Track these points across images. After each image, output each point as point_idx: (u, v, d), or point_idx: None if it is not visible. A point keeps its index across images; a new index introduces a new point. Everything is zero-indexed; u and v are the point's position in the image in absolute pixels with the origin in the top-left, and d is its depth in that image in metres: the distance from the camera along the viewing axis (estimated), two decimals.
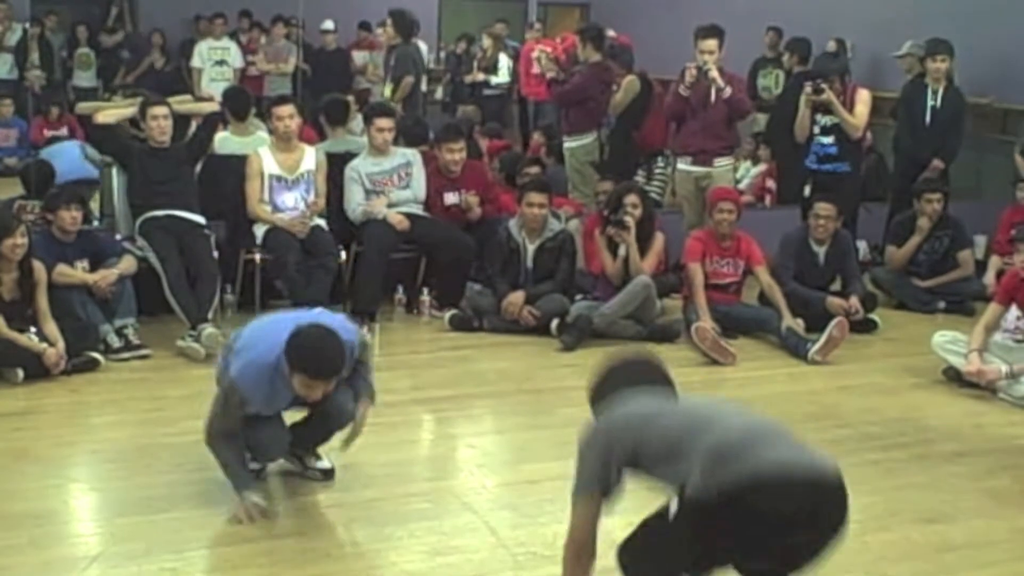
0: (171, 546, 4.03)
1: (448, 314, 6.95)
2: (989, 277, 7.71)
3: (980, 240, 8.30)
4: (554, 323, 6.73)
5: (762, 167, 9.81)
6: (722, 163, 7.71)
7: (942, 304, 7.64)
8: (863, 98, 7.44)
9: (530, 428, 5.41)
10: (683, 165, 7.84)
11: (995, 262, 7.89)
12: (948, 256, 7.75)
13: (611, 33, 9.46)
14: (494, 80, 10.81)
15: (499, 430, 5.51)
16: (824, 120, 7.41)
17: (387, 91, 9.78)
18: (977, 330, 6.03)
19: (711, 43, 7.43)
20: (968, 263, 7.78)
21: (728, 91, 7.45)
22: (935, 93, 8.16)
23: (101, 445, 5.06)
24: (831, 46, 9.45)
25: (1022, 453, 5.24)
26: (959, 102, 8.24)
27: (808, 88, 7.30)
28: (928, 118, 8.18)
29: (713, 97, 7.51)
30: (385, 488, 4.55)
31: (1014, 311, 6.06)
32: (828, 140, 7.43)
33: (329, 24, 10.97)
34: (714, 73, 7.40)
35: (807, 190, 7.52)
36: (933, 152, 8.14)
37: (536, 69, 9.90)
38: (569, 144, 8.80)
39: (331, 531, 4.19)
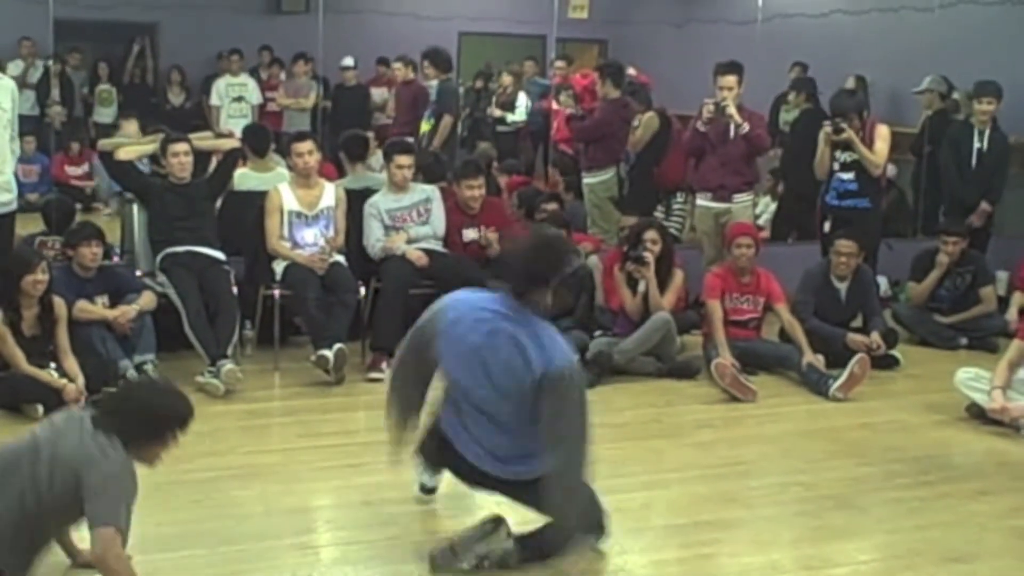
0: None
1: None
2: (1012, 313, 7.70)
3: (1002, 276, 8.28)
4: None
5: None
6: (742, 199, 7.70)
7: (964, 340, 7.61)
8: (882, 134, 7.42)
9: None
10: (703, 201, 7.84)
11: (1017, 298, 7.87)
12: (970, 292, 7.72)
13: (631, 71, 9.49)
14: (510, 118, 10.85)
15: None
16: (844, 156, 7.40)
17: (425, 127, 9.81)
18: (1000, 367, 6.00)
19: (730, 79, 7.44)
20: (990, 299, 7.75)
21: (746, 127, 7.45)
22: (981, 135, 8.15)
23: None
24: (850, 82, 9.46)
25: None
26: (1004, 144, 8.24)
27: (828, 128, 7.30)
28: (975, 161, 8.18)
29: (732, 133, 7.51)
30: (405, 526, 4.53)
31: None
32: (848, 176, 7.41)
33: (349, 61, 11.02)
34: (731, 109, 7.40)
35: (827, 226, 7.50)
36: (981, 195, 8.14)
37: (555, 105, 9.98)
38: (588, 180, 8.82)
39: (351, 570, 4.15)
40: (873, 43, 10.10)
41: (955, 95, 9.38)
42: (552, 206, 7.92)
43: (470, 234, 7.29)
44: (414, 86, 10.19)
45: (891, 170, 8.63)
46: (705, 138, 7.63)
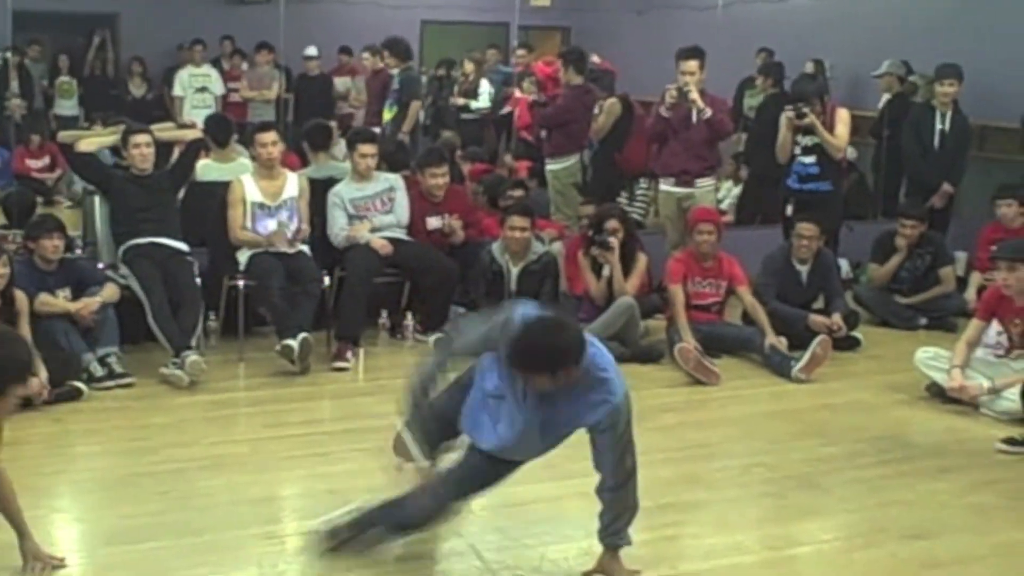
0: None
1: (432, 338, 6.95)
2: (970, 293, 7.78)
3: (961, 257, 8.38)
4: None
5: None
6: (704, 184, 7.74)
7: (924, 321, 7.69)
8: (843, 118, 7.48)
9: None
10: (665, 186, 7.88)
11: (976, 278, 7.95)
12: (930, 273, 7.80)
13: (595, 59, 9.51)
14: (474, 105, 10.86)
15: None
16: (805, 140, 7.46)
17: (387, 115, 9.79)
18: (959, 346, 6.08)
19: (692, 64, 7.47)
20: (949, 280, 7.83)
21: (708, 113, 7.48)
22: (943, 117, 8.28)
23: (84, 475, 5.04)
24: (809, 67, 9.53)
25: (1005, 468, 5.27)
26: (965, 126, 8.37)
27: (790, 113, 7.35)
28: (937, 142, 8.30)
29: (694, 118, 7.55)
30: None
31: (995, 327, 6.10)
32: (810, 160, 7.47)
33: (312, 50, 11.00)
34: (694, 95, 7.44)
35: (789, 210, 7.56)
36: (943, 176, 8.26)
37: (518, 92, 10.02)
38: (552, 166, 8.84)
39: (317, 558, 4.16)
40: (833, 28, 10.17)
41: (912, 78, 9.47)
42: (517, 193, 7.95)
43: (434, 222, 7.30)
44: (383, 75, 10.18)
45: (851, 153, 8.71)
46: (668, 123, 7.66)
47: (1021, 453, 5.38)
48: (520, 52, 10.68)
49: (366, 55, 10.57)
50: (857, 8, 10.02)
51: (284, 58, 10.59)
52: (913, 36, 9.44)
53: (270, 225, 6.79)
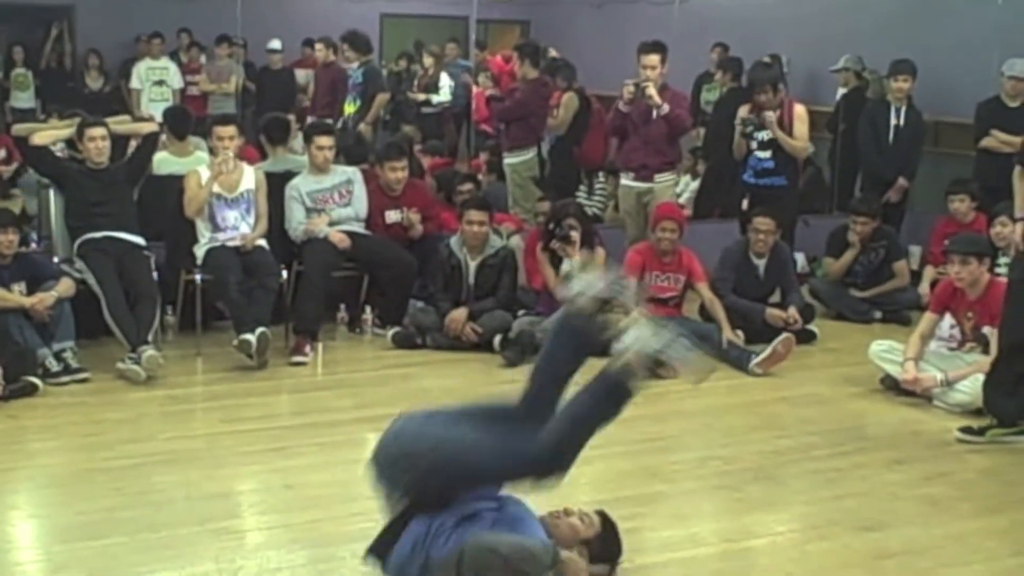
0: (111, 572, 3.99)
1: (391, 332, 6.96)
2: (924, 287, 7.86)
3: (915, 250, 8.47)
4: (497, 339, 6.75)
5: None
6: (664, 178, 7.77)
7: (878, 314, 7.77)
8: (801, 115, 7.54)
9: None
10: (625, 180, 7.90)
11: (929, 272, 8.04)
12: (884, 267, 7.88)
13: (553, 53, 9.53)
14: (435, 99, 10.86)
15: None
16: (761, 135, 7.51)
17: (350, 108, 9.76)
18: (913, 339, 6.15)
19: (653, 58, 7.49)
20: (903, 273, 7.92)
21: (665, 108, 7.50)
22: (898, 112, 8.40)
23: (39, 471, 5.01)
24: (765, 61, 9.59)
25: (957, 460, 5.33)
26: (919, 121, 8.48)
27: (745, 128, 7.41)
28: (892, 137, 8.41)
29: (654, 113, 7.57)
30: (328, 508, 4.53)
31: (948, 320, 6.17)
32: (765, 155, 7.53)
33: (276, 44, 10.95)
34: (651, 91, 7.44)
35: (745, 204, 7.62)
36: (898, 170, 8.36)
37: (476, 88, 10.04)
38: (510, 160, 8.85)
39: (274, 554, 4.16)
40: (788, 23, 10.24)
41: (865, 74, 9.56)
42: (467, 187, 7.96)
43: (393, 216, 7.31)
44: (334, 68, 10.14)
45: (809, 148, 8.77)
46: (627, 118, 7.68)
47: (978, 443, 5.45)
48: (475, 50, 10.69)
49: (319, 47, 10.54)
50: (812, 4, 10.10)
51: (243, 51, 10.52)
52: (867, 32, 9.52)
53: (229, 216, 6.77)
